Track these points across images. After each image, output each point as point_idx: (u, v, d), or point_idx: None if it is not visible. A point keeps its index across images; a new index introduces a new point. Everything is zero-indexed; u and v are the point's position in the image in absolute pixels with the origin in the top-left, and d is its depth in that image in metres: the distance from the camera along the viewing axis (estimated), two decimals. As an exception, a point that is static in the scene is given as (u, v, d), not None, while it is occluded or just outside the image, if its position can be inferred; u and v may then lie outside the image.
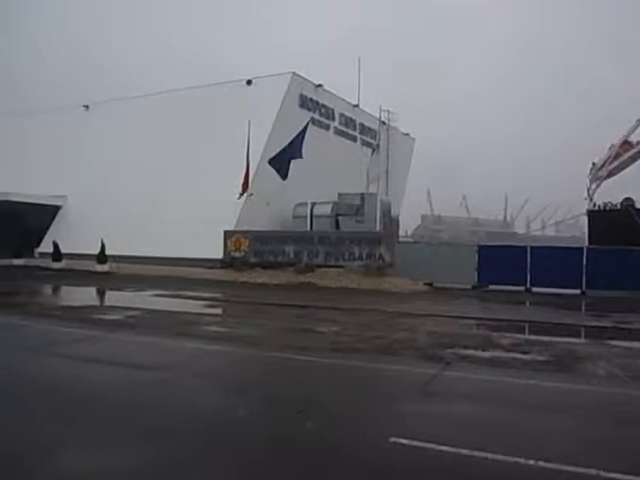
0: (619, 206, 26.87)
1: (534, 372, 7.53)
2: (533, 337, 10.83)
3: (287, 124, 25.84)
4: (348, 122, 34.08)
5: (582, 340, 10.98)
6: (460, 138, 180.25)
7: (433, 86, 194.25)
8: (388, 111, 33.81)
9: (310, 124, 26.01)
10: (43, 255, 29.21)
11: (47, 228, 32.14)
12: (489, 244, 26.12)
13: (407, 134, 40.58)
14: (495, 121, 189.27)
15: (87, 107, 36.95)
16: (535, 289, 18.61)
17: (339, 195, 26.57)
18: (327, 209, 26.58)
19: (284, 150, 23.65)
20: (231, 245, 23.55)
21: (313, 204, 25.99)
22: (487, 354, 8.78)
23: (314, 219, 25.89)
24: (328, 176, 27.70)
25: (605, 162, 28.58)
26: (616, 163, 28.51)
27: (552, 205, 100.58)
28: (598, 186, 28.68)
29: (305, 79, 29.64)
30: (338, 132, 33.08)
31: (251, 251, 23.22)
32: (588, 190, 28.48)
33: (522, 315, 13.91)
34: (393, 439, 4.86)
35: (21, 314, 12.27)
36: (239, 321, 12.39)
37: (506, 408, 6.13)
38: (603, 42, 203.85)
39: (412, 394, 6.61)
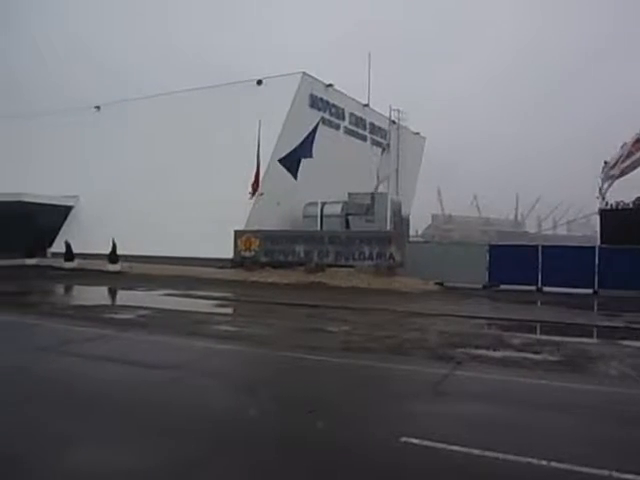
0: (632, 205, 26.58)
1: (545, 372, 7.49)
2: (544, 337, 10.75)
3: (297, 124, 25.92)
4: (358, 122, 34.08)
5: (594, 340, 10.87)
6: (469, 136, 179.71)
7: (443, 82, 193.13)
8: (398, 110, 33.72)
9: (320, 124, 26.07)
10: (55, 255, 29.46)
11: (59, 228, 32.41)
12: (500, 243, 26.04)
13: (417, 133, 40.49)
14: (505, 120, 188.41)
15: (98, 108, 37.21)
16: (546, 289, 18.49)
17: (349, 195, 26.57)
18: (337, 209, 26.60)
19: (294, 150, 23.79)
20: (241, 245, 23.63)
21: (323, 204, 26.04)
22: (498, 354, 8.74)
23: (324, 219, 25.96)
24: (338, 176, 27.73)
25: (617, 161, 28.27)
26: (628, 162, 28.16)
27: (563, 204, 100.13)
28: (610, 185, 28.35)
29: (315, 79, 29.69)
30: (348, 132, 33.08)
31: (261, 251, 23.29)
32: (600, 189, 28.17)
33: (533, 315, 13.80)
34: (404, 439, 4.86)
35: (34, 313, 12.40)
36: (249, 320, 12.42)
37: (517, 408, 6.09)
38: (623, 38, 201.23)
39: (423, 394, 6.59)
